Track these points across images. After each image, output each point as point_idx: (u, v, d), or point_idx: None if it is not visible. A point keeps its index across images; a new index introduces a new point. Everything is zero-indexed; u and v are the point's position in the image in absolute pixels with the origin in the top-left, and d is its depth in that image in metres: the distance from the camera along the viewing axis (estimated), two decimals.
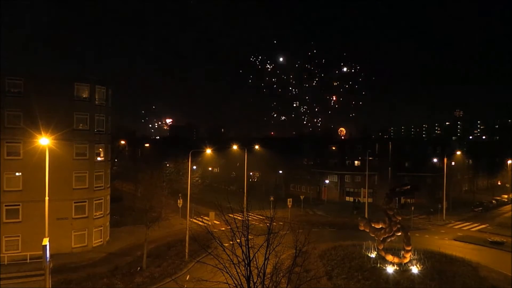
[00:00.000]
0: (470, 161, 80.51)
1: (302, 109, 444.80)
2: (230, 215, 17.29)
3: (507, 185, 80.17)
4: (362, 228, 36.86)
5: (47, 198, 26.61)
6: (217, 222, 45.70)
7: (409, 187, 39.47)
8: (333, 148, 78.78)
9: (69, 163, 37.35)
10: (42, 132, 33.16)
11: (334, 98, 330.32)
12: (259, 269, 15.48)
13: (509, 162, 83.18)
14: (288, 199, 54.27)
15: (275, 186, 78.05)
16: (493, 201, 68.41)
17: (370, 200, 63.92)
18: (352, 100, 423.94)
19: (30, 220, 35.17)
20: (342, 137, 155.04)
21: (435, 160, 69.75)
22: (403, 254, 33.79)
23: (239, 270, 15.54)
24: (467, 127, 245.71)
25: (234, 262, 15.68)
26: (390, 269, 32.01)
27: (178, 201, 49.61)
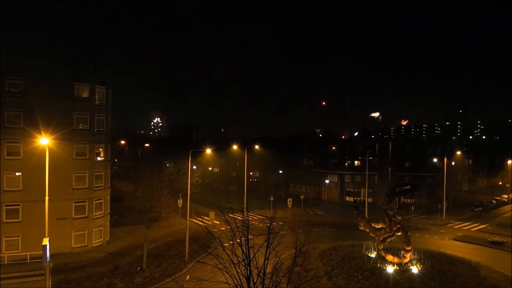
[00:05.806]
0: (470, 161, 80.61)
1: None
2: (230, 215, 17.28)
3: (507, 185, 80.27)
4: (362, 228, 36.89)
5: (47, 198, 26.65)
6: (217, 222, 45.67)
7: (409, 187, 39.53)
8: (333, 148, 78.82)
9: (69, 163, 37.34)
10: (42, 132, 33.20)
11: (324, 103, 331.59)
12: (259, 269, 15.48)
13: (509, 162, 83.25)
14: (288, 199, 54.31)
15: (275, 186, 78.12)
16: (493, 201, 68.47)
17: (370, 200, 63.94)
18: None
19: (30, 220, 35.20)
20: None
21: (435, 160, 69.75)
22: (403, 254, 33.80)
23: (239, 270, 15.54)
24: (467, 127, 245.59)
25: (234, 262, 15.68)
26: (390, 269, 32.01)
27: (178, 201, 49.58)
